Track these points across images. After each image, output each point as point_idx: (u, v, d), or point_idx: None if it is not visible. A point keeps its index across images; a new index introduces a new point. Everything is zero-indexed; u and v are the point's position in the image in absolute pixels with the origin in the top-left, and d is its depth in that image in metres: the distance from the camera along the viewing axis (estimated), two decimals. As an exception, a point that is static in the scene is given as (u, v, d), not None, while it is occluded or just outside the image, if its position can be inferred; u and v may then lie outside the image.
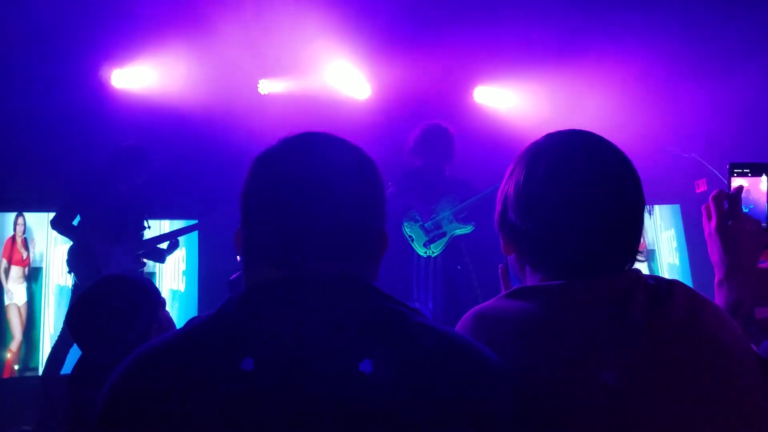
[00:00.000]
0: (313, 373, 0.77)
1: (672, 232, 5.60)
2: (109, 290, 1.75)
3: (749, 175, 1.23)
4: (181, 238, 4.35)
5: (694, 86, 4.85)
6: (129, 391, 0.80)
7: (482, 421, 0.78)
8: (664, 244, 5.62)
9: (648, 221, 5.59)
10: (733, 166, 1.24)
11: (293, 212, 0.87)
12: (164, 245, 4.24)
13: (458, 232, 4.06)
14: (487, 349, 0.86)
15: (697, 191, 4.82)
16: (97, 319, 1.69)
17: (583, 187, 0.98)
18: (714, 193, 1.21)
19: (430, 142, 4.09)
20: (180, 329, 0.86)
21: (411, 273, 4.11)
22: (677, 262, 5.56)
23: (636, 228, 1.01)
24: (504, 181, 1.07)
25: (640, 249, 1.05)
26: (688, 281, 5.35)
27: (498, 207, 1.08)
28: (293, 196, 0.88)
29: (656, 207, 5.57)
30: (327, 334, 0.80)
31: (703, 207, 1.23)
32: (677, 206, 5.56)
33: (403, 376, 0.77)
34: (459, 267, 4.08)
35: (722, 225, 1.18)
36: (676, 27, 4.59)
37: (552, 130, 1.10)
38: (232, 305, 0.86)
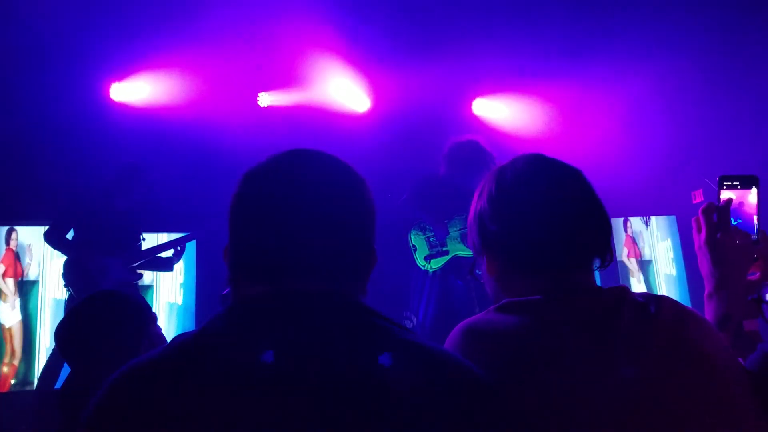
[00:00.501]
0: (335, 365, 0.78)
1: (669, 243, 5.61)
2: (98, 306, 1.73)
3: (739, 187, 1.22)
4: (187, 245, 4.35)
5: (691, 98, 4.87)
6: (112, 408, 0.80)
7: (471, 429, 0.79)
8: (661, 255, 5.62)
9: (645, 232, 5.60)
10: (723, 178, 1.23)
11: (280, 229, 0.88)
12: (169, 253, 4.25)
13: (461, 253, 4.01)
14: (471, 364, 0.86)
15: (694, 202, 4.83)
16: (85, 336, 1.67)
17: (543, 194, 1.07)
18: (703, 206, 1.21)
19: (458, 155, 4.00)
20: (166, 346, 0.86)
21: (408, 283, 4.09)
22: (674, 272, 5.55)
23: (593, 230, 1.08)
24: (474, 203, 1.13)
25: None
26: (684, 291, 5.36)
27: (474, 227, 1.13)
28: (280, 214, 0.88)
29: (653, 218, 5.58)
30: (328, 341, 0.80)
31: (693, 220, 1.23)
32: (673, 217, 5.56)
33: (415, 375, 0.79)
34: (460, 282, 4.05)
35: (711, 238, 1.18)
36: (674, 43, 4.63)
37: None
38: (218, 322, 0.85)
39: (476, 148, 4.02)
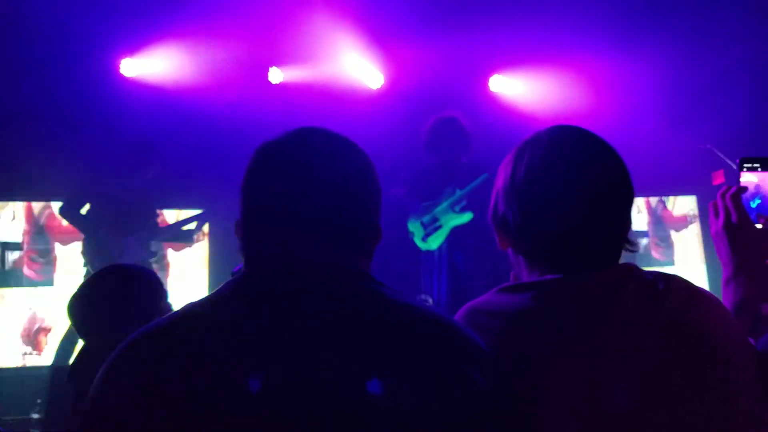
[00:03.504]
0: (321, 393, 0.77)
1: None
2: (109, 281, 1.76)
3: (759, 169, 1.21)
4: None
5: (712, 78, 4.79)
6: (117, 376, 0.83)
7: (468, 391, 0.81)
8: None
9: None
10: (744, 160, 1.22)
11: (290, 201, 0.92)
12: (191, 225, 4.28)
13: (455, 222, 4.06)
14: (474, 334, 0.90)
15: (714, 183, 4.76)
16: (96, 310, 1.71)
17: (564, 181, 1.00)
18: (721, 190, 1.20)
19: (438, 136, 4.10)
20: (174, 314, 0.89)
21: (418, 267, 4.17)
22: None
23: (619, 219, 1.02)
24: (499, 175, 1.09)
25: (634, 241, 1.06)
26: (704, 272, 5.31)
27: (491, 201, 1.10)
28: (291, 187, 0.92)
29: (671, 198, 5.51)
30: (331, 341, 0.81)
31: (710, 204, 1.22)
32: (694, 197, 5.48)
33: (407, 389, 0.78)
34: (460, 258, 4.07)
35: (729, 223, 1.17)
36: (687, 22, 4.55)
37: (568, 119, 1.10)
38: (229, 292, 0.89)
39: (449, 125, 4.09)
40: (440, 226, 4.05)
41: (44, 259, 4.63)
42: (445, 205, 4.05)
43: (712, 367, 0.91)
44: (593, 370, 0.89)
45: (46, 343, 4.49)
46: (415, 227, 4.10)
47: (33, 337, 4.51)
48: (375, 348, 0.81)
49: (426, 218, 4.07)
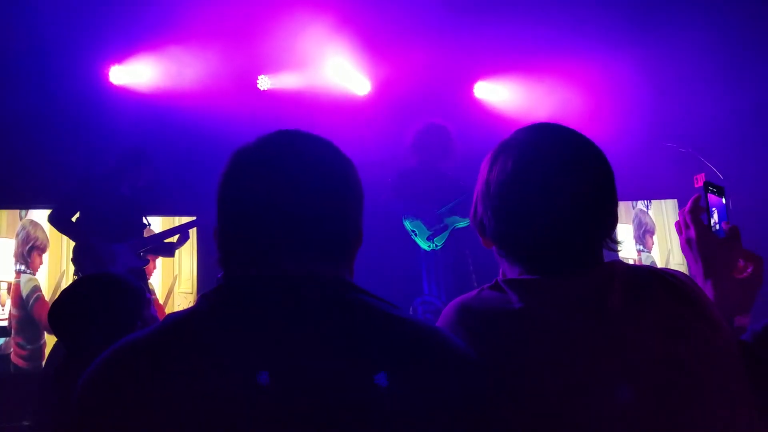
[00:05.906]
0: (330, 386, 0.77)
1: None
2: (90, 288, 1.74)
3: (717, 194, 1.27)
4: (190, 231, 4.37)
5: (692, 80, 4.84)
6: (101, 385, 0.81)
7: (455, 403, 0.81)
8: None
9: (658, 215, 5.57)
10: (708, 184, 1.27)
11: (267, 210, 0.88)
12: (174, 238, 4.27)
13: (459, 224, 4.11)
14: (459, 341, 0.89)
15: (696, 186, 4.80)
16: (77, 317, 1.69)
17: (547, 184, 0.98)
18: (687, 206, 1.23)
19: (424, 141, 4.16)
20: (158, 325, 0.86)
21: (419, 269, 4.13)
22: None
23: (598, 220, 1.01)
24: (478, 178, 1.08)
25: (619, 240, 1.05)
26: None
27: (472, 202, 1.09)
28: (265, 196, 0.88)
29: (653, 202, 5.55)
30: (332, 342, 0.81)
31: (675, 223, 1.26)
32: (675, 201, 5.52)
33: (409, 383, 0.79)
34: (459, 261, 4.10)
35: (694, 237, 1.20)
36: (671, 26, 4.59)
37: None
38: (210, 303, 0.86)
39: (436, 132, 4.13)
40: (446, 227, 4.09)
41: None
42: (446, 208, 4.09)
43: (698, 361, 0.93)
44: (577, 372, 0.90)
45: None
46: (417, 226, 4.10)
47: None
48: (375, 349, 0.81)
49: (430, 217, 4.10)
